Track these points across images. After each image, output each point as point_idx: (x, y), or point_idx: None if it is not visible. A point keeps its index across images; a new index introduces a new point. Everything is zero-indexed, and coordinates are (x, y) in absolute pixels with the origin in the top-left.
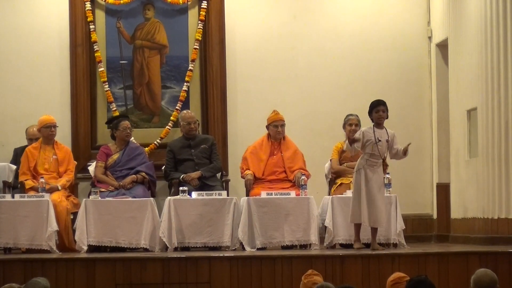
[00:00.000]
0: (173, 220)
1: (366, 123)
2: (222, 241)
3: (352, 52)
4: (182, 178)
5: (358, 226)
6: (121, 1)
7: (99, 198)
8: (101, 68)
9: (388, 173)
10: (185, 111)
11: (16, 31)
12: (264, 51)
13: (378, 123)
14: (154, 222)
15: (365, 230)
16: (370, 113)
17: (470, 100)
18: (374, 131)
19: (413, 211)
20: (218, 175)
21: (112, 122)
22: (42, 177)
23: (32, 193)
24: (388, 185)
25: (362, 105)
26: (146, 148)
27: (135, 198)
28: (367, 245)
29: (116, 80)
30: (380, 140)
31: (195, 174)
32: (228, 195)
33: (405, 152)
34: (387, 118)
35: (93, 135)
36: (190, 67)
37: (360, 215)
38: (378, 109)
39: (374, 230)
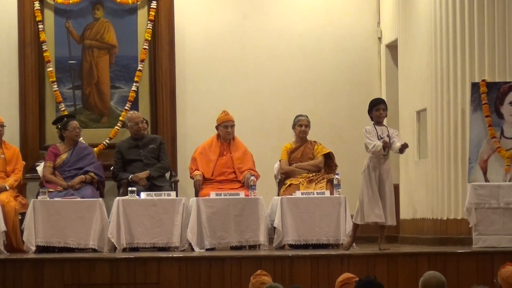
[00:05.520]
0: (121, 220)
1: (318, 124)
2: (171, 242)
3: (301, 53)
4: (130, 178)
5: (356, 226)
6: (70, 1)
7: (48, 198)
8: (50, 68)
9: (338, 174)
10: (130, 112)
11: None
12: (214, 51)
13: (378, 122)
14: (103, 223)
15: (313, 230)
16: (370, 111)
17: (419, 101)
18: (375, 129)
19: None
20: (168, 175)
21: (59, 122)
22: None
23: None
24: (337, 185)
25: (311, 106)
26: (95, 149)
27: (83, 198)
28: (314, 246)
29: (65, 80)
30: (381, 138)
31: (143, 174)
32: (177, 196)
33: (401, 150)
34: (386, 116)
35: (42, 135)
36: (139, 67)
37: (370, 214)
38: (378, 108)
39: (382, 229)
